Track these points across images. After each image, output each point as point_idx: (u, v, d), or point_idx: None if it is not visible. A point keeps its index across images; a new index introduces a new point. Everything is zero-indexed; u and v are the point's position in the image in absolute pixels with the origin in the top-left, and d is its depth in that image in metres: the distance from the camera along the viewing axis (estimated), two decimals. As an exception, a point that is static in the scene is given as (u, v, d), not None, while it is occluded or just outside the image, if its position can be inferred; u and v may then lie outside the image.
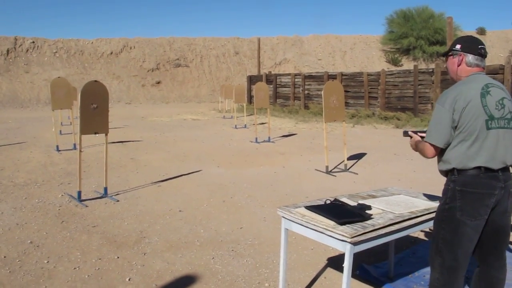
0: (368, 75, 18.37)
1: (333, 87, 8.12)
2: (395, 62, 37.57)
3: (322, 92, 7.96)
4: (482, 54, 2.59)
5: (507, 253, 4.09)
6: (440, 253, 2.55)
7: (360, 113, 17.65)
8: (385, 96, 17.51)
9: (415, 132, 2.90)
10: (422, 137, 2.85)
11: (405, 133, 2.99)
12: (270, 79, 23.94)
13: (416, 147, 2.78)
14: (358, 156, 9.40)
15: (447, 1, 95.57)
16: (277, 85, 23.46)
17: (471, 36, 2.71)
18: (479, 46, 2.60)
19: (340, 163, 8.45)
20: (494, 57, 37.68)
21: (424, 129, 2.99)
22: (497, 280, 2.61)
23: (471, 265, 2.68)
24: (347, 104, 17.85)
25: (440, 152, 2.57)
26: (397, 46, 36.30)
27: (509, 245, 4.28)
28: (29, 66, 30.02)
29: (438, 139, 2.50)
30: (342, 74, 19.55)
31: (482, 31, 45.01)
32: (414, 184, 6.78)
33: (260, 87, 12.35)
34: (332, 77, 19.49)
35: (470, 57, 2.58)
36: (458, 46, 2.62)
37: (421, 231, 4.53)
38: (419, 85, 16.31)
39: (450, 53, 2.67)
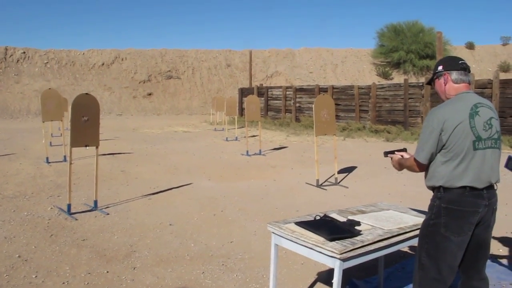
0: (359, 88, 18.53)
1: (324, 101, 8.18)
2: (385, 76, 37.91)
3: (313, 106, 8.01)
4: (465, 68, 2.66)
5: (495, 265, 4.13)
6: (422, 267, 2.60)
7: (351, 126, 17.75)
8: (376, 109, 17.65)
9: (393, 152, 2.98)
10: (401, 155, 2.95)
11: (385, 154, 3.08)
12: (261, 91, 24.04)
13: (399, 165, 2.88)
14: (348, 170, 9.44)
15: (437, 16, 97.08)
16: (269, 98, 23.56)
17: (449, 56, 2.83)
18: (460, 62, 2.67)
19: (331, 177, 8.49)
20: (483, 72, 38.18)
21: (401, 147, 3.08)
22: None
23: (456, 279, 2.72)
24: (338, 117, 17.95)
25: (427, 168, 2.62)
26: (388, 59, 36.70)
27: (497, 258, 4.33)
28: (20, 76, 29.90)
29: (425, 157, 2.57)
30: (333, 87, 19.69)
31: (471, 46, 45.63)
32: (404, 198, 6.82)
33: (252, 100, 12.40)
34: (323, 90, 19.63)
35: (454, 74, 2.64)
36: (440, 68, 2.70)
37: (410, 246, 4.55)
38: (409, 98, 16.46)
39: (435, 77, 2.74)
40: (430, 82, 2.81)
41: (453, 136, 2.46)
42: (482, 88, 14.04)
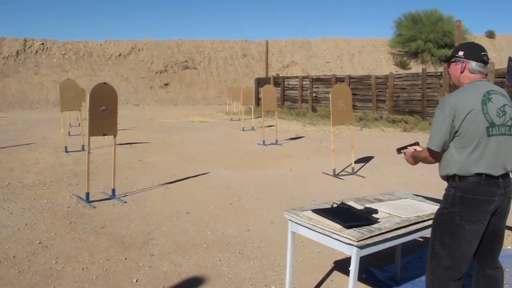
0: (376, 78, 18.34)
1: (341, 90, 8.12)
2: (403, 65, 37.44)
3: (330, 95, 7.96)
4: (485, 61, 2.60)
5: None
6: (435, 255, 2.58)
7: (368, 116, 17.62)
8: (393, 99, 17.47)
9: (405, 147, 2.96)
10: (414, 149, 2.92)
11: (398, 151, 3.06)
12: (278, 81, 23.97)
13: (414, 159, 2.85)
14: (365, 159, 9.38)
15: (456, 4, 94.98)
16: (285, 88, 23.48)
17: (473, 43, 2.72)
18: (482, 53, 2.60)
19: (348, 166, 8.44)
20: (503, 61, 37.44)
21: (413, 142, 3.04)
22: (494, 280, 2.65)
23: (471, 269, 2.69)
24: (354, 107, 17.81)
25: (441, 158, 2.59)
26: (406, 49, 36.19)
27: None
28: (38, 67, 30.24)
29: (439, 144, 2.52)
30: (350, 77, 19.53)
31: (491, 35, 44.77)
32: (422, 187, 6.76)
33: (268, 90, 12.37)
34: (340, 80, 19.49)
35: (473, 64, 2.58)
36: (461, 53, 2.63)
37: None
38: (427, 88, 16.26)
39: (452, 60, 2.67)
40: (447, 61, 2.73)
41: (466, 122, 2.42)
42: (502, 77, 13.77)
